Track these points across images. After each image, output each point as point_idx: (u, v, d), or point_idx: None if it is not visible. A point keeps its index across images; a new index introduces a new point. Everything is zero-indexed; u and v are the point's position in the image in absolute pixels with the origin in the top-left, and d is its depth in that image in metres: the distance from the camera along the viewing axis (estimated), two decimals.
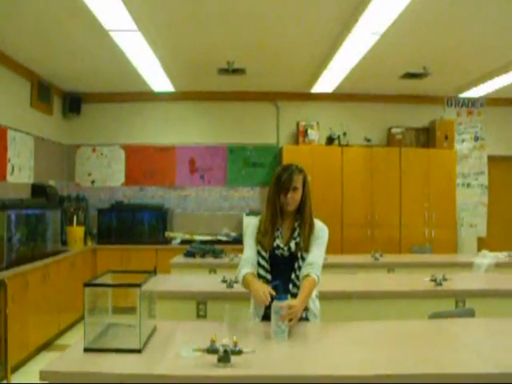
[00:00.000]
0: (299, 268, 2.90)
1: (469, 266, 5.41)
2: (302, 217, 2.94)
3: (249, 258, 2.97)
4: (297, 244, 2.90)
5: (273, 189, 2.95)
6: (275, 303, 2.55)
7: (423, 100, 8.18)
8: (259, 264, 2.95)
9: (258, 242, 2.97)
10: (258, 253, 2.96)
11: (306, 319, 2.92)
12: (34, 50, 5.93)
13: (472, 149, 8.30)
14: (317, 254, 2.91)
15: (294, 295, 2.82)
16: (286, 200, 2.90)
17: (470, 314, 3.17)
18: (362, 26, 4.74)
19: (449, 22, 5.02)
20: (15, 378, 4.66)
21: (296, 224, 2.95)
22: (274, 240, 2.92)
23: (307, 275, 2.85)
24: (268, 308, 2.80)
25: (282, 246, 2.91)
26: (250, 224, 3.06)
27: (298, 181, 2.91)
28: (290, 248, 2.91)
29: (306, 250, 2.91)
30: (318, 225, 2.99)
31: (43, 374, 2.07)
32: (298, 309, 2.62)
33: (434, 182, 7.65)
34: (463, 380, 2.06)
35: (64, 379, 2.08)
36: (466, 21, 4.97)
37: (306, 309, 2.89)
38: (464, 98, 8.21)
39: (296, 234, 2.93)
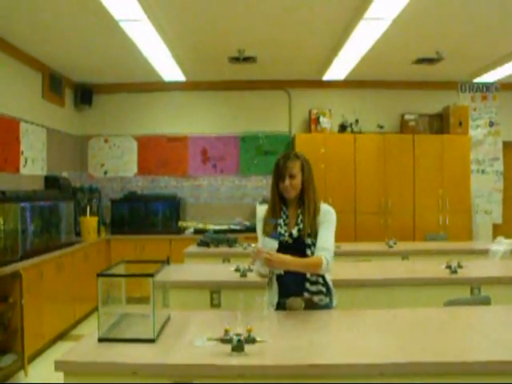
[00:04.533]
0: (312, 255, 2.84)
1: (484, 253, 5.36)
2: (304, 202, 2.91)
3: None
4: (299, 230, 2.86)
5: (273, 178, 2.96)
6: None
7: (436, 86, 8.08)
8: None
9: (263, 230, 2.96)
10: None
11: (325, 306, 2.89)
12: (45, 42, 5.94)
13: (487, 134, 8.20)
14: (324, 238, 2.84)
15: (310, 292, 2.82)
16: (283, 187, 2.89)
17: (486, 301, 3.14)
18: (374, 11, 4.69)
19: (461, 6, 4.93)
20: (32, 367, 4.71)
21: (299, 211, 2.92)
22: (276, 228, 2.90)
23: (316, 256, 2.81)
24: (282, 297, 2.86)
25: (283, 232, 2.89)
26: (259, 217, 3.04)
27: (294, 167, 2.89)
28: (291, 234, 2.87)
29: (315, 235, 2.86)
30: (324, 208, 2.93)
31: (58, 364, 2.08)
32: (273, 261, 2.70)
33: (448, 168, 7.59)
34: (479, 368, 2.04)
35: (79, 369, 2.09)
36: (480, 4, 4.89)
37: (322, 293, 2.86)
38: (478, 83, 8.10)
39: (299, 220, 2.89)
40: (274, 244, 2.81)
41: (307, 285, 2.82)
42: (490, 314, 2.90)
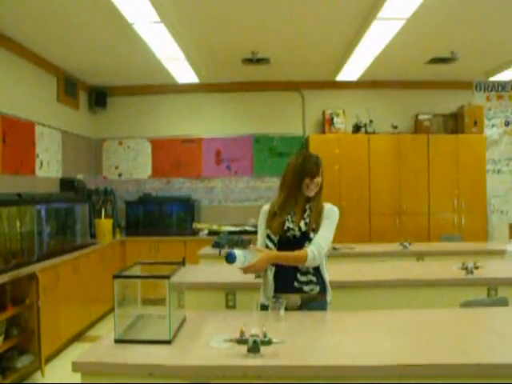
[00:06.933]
0: None
1: (500, 253, 5.32)
2: (315, 199, 2.97)
3: (260, 245, 3.01)
4: (306, 224, 2.91)
5: (296, 175, 2.96)
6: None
7: (451, 85, 8.02)
8: (267, 247, 2.95)
9: (268, 225, 3.00)
10: (268, 236, 2.98)
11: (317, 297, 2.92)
12: (60, 46, 5.99)
13: (502, 134, 8.14)
14: (320, 233, 2.90)
15: (301, 282, 2.87)
16: (312, 185, 2.93)
17: (503, 302, 3.11)
18: (387, 11, 4.67)
19: (475, 5, 4.90)
20: (48, 368, 4.74)
21: (307, 206, 2.97)
22: (284, 223, 2.94)
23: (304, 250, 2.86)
24: (277, 290, 2.90)
25: (292, 226, 2.93)
26: (262, 211, 3.10)
27: (322, 166, 2.98)
28: (300, 228, 2.92)
29: (316, 230, 2.91)
30: (328, 206, 3.00)
31: (76, 365, 2.10)
32: (257, 264, 2.71)
33: (463, 168, 7.53)
34: (495, 370, 2.03)
35: (96, 370, 2.11)
36: (494, 3, 4.85)
37: (312, 283, 2.90)
38: (494, 82, 8.04)
39: (306, 215, 2.95)
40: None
41: (298, 275, 2.89)
42: (508, 316, 2.87)
